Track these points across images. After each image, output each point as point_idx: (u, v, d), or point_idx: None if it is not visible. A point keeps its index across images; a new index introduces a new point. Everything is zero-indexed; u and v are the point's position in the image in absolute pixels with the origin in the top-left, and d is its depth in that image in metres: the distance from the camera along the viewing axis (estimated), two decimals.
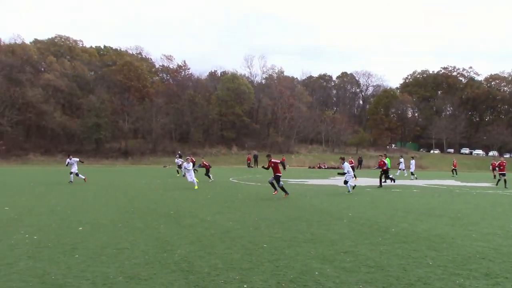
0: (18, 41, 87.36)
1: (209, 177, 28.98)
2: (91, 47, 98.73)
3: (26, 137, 75.68)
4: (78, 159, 27.47)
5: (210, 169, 29.97)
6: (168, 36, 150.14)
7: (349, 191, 20.53)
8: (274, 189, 18.56)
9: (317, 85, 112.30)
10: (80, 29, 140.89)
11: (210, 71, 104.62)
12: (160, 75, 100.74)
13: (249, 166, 61.17)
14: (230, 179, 31.48)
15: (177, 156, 39.43)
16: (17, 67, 77.16)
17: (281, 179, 18.31)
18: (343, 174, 21.01)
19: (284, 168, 20.02)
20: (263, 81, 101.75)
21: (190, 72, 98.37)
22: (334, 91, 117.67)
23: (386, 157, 26.64)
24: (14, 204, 15.06)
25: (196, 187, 22.56)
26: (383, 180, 25.49)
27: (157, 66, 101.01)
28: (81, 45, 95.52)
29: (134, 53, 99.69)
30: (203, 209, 13.96)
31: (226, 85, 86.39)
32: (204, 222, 11.34)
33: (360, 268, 6.98)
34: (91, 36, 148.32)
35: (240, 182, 27.91)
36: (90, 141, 74.21)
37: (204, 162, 29.70)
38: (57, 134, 76.13)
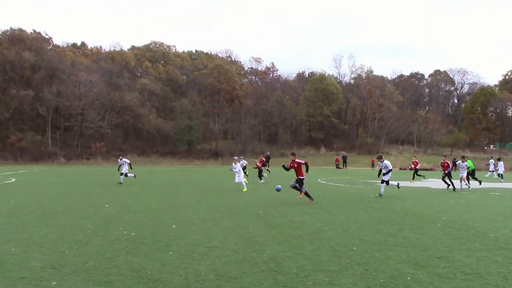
0: (117, 49, 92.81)
1: (260, 178, 28.66)
2: (183, 52, 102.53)
3: (124, 139, 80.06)
4: (129, 161, 27.34)
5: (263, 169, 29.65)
6: (257, 38, 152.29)
7: (380, 194, 18.83)
8: (299, 192, 16.80)
9: (408, 84, 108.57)
10: (173, 35, 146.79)
11: (298, 72, 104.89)
12: (249, 77, 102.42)
13: (337, 167, 60.50)
14: (319, 180, 31.28)
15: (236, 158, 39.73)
16: (116, 72, 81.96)
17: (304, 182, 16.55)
18: (386, 173, 18.91)
19: (307, 170, 17.84)
20: (352, 81, 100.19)
21: (278, 74, 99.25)
22: (427, 90, 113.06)
23: (466, 159, 24.92)
24: (113, 202, 15.96)
25: (245, 189, 21.55)
26: (466, 182, 24.06)
27: (246, 68, 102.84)
28: (174, 50, 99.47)
29: (224, 56, 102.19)
30: (292, 210, 13.99)
31: (314, 86, 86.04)
32: (292, 223, 11.36)
33: (456, 274, 6.64)
34: (183, 41, 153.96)
35: (329, 183, 27.65)
36: (183, 142, 76.94)
37: (258, 163, 29.25)
38: (152, 135, 79.80)
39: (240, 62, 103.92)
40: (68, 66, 79.66)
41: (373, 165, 60.64)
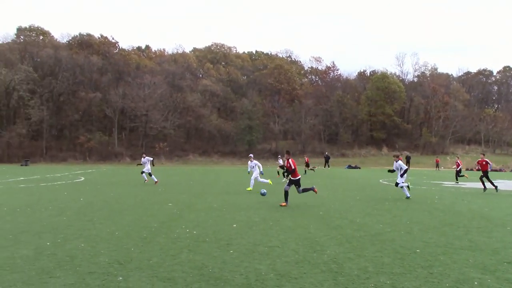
0: (180, 51, 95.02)
1: (284, 175, 28.31)
2: (243, 52, 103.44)
3: (186, 139, 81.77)
4: (151, 159, 26.79)
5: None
6: (317, 37, 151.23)
7: (407, 197, 17.68)
8: (311, 190, 15.55)
9: (475, 81, 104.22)
10: (234, 36, 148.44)
11: (359, 71, 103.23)
12: (309, 76, 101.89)
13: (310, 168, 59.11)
14: (380, 180, 30.66)
15: (279, 157, 39.66)
16: (179, 74, 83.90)
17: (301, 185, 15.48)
18: (401, 175, 17.78)
19: (306, 171, 16.68)
20: (415, 79, 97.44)
21: (338, 73, 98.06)
22: (495, 87, 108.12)
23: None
24: (176, 201, 16.34)
25: (249, 188, 21.13)
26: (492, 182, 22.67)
27: (306, 68, 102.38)
28: (234, 51, 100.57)
29: (284, 56, 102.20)
30: (352, 210, 13.79)
31: (375, 85, 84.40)
32: (353, 224, 11.20)
33: None
34: (243, 42, 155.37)
35: (391, 184, 27.03)
36: (243, 142, 77.61)
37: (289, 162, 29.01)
38: (213, 136, 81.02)
39: (300, 61, 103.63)
40: (133, 68, 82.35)
41: (437, 166, 58.73)
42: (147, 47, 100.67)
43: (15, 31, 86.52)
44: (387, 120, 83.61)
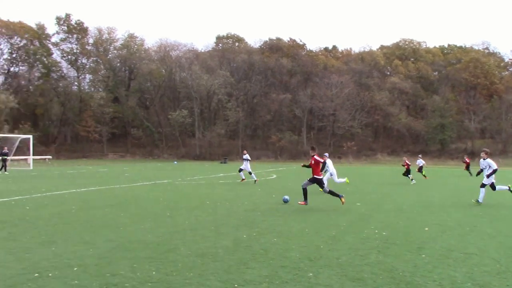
0: (366, 49, 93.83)
1: (409, 177, 26.56)
2: (434, 47, 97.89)
3: (374, 138, 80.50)
4: (249, 159, 25.79)
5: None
6: None
7: (478, 202, 15.21)
8: (338, 197, 14.29)
9: None
10: (422, 31, 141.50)
11: None
12: (510, 69, 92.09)
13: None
14: None
15: (419, 156, 35.79)
16: (366, 72, 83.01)
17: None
18: (489, 175, 15.19)
19: (322, 169, 14.68)
20: None
21: None
22: None
23: None
24: (364, 201, 16.19)
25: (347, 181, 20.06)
26: None
27: (506, 60, 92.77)
28: (424, 46, 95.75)
29: (480, 48, 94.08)
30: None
31: None
32: None
33: None
34: (433, 36, 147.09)
35: None
36: (435, 141, 73.56)
37: (406, 161, 27.29)
38: (402, 135, 78.33)
39: (499, 53, 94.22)
40: (321, 69, 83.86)
41: None
42: (334, 47, 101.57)
43: (214, 39, 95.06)
44: None
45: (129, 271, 6.61)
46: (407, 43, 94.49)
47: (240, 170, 25.66)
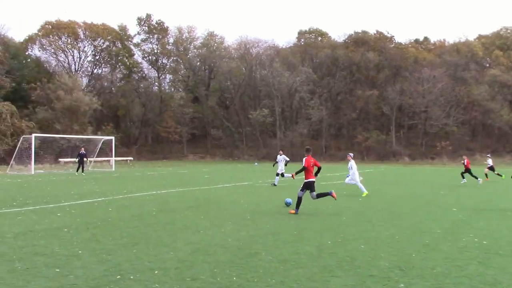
0: (462, 40, 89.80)
1: (463, 177, 26.23)
2: None
3: (472, 137, 76.81)
4: (288, 159, 25.27)
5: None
6: None
7: None
8: (329, 195, 14.06)
9: None
10: None
11: None
12: None
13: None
14: None
15: (488, 156, 32.75)
16: (462, 65, 79.36)
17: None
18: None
19: (316, 174, 14.04)
20: None
21: None
22: None
23: None
24: (461, 205, 15.49)
25: (364, 194, 19.14)
26: None
27: None
28: None
29: None
30: None
31: None
32: None
33: None
34: None
35: None
36: None
37: (467, 160, 26.72)
38: (505, 133, 74.12)
39: None
40: (411, 63, 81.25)
41: None
42: (425, 38, 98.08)
43: (296, 35, 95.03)
44: None
45: (209, 276, 6.74)
46: (509, 31, 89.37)
47: (282, 174, 24.39)
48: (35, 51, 77.77)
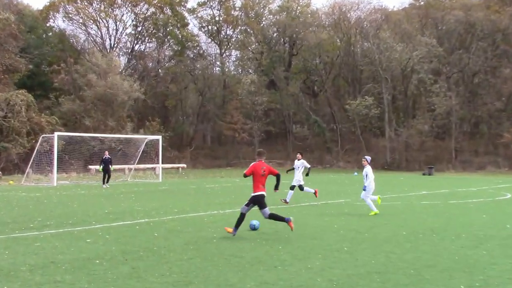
0: None
1: None
2: None
3: None
4: (309, 166, 24.94)
5: None
6: None
7: None
8: (284, 221, 14.48)
9: None
10: None
11: None
12: None
13: None
14: None
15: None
16: None
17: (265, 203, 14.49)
18: None
19: (276, 187, 15.22)
20: None
21: None
22: None
23: None
24: None
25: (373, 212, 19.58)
26: None
27: None
28: None
29: None
30: None
31: None
32: None
33: None
34: None
35: None
36: None
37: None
38: None
39: None
40: None
41: None
42: None
43: None
44: None
45: None
46: None
47: (300, 187, 24.51)
48: (58, 22, 80.00)
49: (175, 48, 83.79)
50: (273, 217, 14.45)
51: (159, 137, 47.37)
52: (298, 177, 24.40)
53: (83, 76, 62.52)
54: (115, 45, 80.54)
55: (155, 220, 17.61)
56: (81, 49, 76.40)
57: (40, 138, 42.54)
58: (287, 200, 24.00)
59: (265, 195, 14.48)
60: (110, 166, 37.24)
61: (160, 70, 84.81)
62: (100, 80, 61.31)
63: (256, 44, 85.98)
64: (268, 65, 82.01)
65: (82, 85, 62.50)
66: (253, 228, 15.42)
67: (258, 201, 14.38)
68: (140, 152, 46.94)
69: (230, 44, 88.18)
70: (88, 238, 13.81)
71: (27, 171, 41.15)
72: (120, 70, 71.22)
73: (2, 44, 58.88)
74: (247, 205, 14.55)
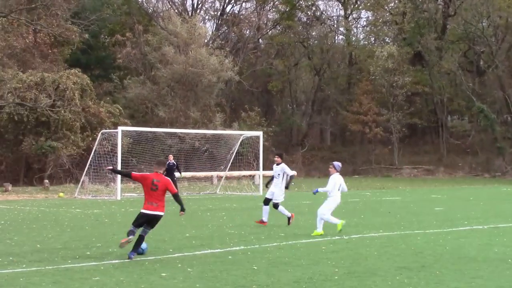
0: None
1: None
2: None
3: None
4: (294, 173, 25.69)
5: None
6: None
7: None
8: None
9: None
10: None
11: None
12: None
13: None
14: None
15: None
16: None
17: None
18: None
19: (181, 209, 16.46)
20: None
21: None
22: None
23: None
24: None
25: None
26: None
27: None
28: None
29: None
30: None
31: None
32: None
33: None
34: None
35: None
36: None
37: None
38: None
39: None
40: None
41: None
42: None
43: None
44: None
45: None
46: None
47: (275, 205, 24.26)
48: None
49: (282, 9, 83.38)
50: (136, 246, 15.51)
51: (260, 134, 46.88)
52: (276, 189, 24.41)
53: (156, 49, 62.31)
54: (200, 7, 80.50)
55: (254, 247, 17.76)
56: (153, 13, 76.28)
57: (99, 134, 42.14)
58: (264, 220, 24.12)
59: (153, 215, 15.84)
60: (177, 174, 37.98)
61: (261, 41, 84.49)
62: (180, 54, 61.07)
63: (396, 1, 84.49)
64: (412, 31, 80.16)
65: (154, 61, 62.17)
66: (140, 253, 15.96)
67: (145, 219, 15.84)
68: (234, 154, 46.55)
69: (358, 3, 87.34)
70: (163, 271, 14.00)
71: (82, 179, 41.14)
72: (206, 41, 70.81)
73: (49, 6, 58.13)
74: (133, 223, 15.93)
